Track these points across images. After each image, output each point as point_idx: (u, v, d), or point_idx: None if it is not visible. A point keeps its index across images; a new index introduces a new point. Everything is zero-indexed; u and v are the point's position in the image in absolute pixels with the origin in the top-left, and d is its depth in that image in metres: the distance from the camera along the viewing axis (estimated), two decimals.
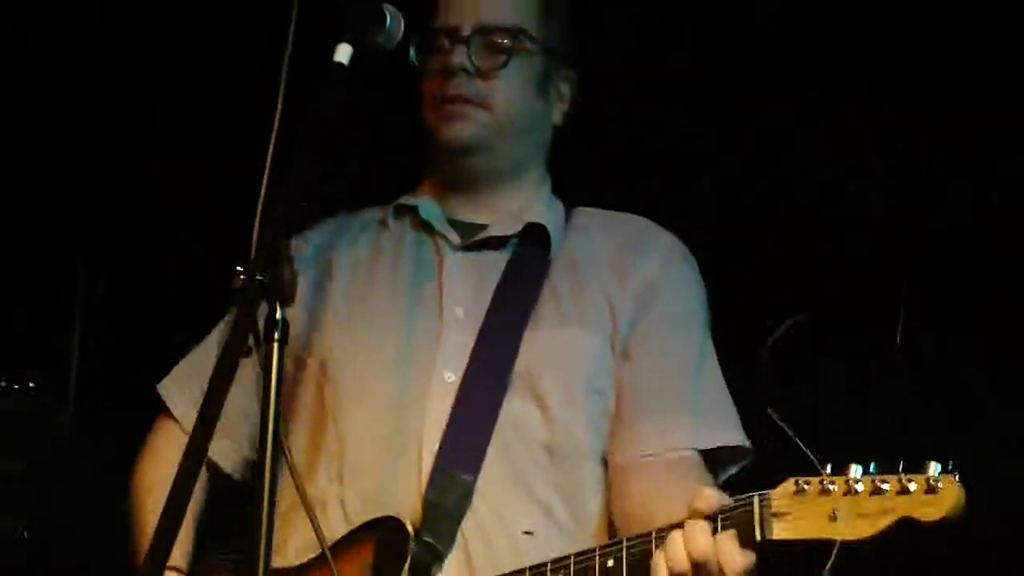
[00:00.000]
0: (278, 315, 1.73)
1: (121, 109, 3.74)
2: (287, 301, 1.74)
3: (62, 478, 2.41)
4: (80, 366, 3.30)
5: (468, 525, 2.16)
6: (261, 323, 1.75)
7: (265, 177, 1.90)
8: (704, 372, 2.30)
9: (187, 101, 3.64)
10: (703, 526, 1.85)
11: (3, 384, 3.79)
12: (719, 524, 1.86)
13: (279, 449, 1.73)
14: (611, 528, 2.23)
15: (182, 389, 2.45)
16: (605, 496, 2.26)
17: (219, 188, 2.56)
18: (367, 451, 2.19)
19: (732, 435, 2.24)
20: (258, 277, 1.72)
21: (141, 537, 2.32)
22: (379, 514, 2.11)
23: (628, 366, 2.27)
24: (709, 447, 2.22)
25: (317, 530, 1.89)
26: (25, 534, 3.68)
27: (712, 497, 1.87)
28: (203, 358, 2.46)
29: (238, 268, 1.75)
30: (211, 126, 3.55)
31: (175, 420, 2.45)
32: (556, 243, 2.36)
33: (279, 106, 1.91)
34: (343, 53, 1.94)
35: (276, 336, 1.73)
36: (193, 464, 1.72)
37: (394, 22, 2.06)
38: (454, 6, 2.37)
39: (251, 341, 1.72)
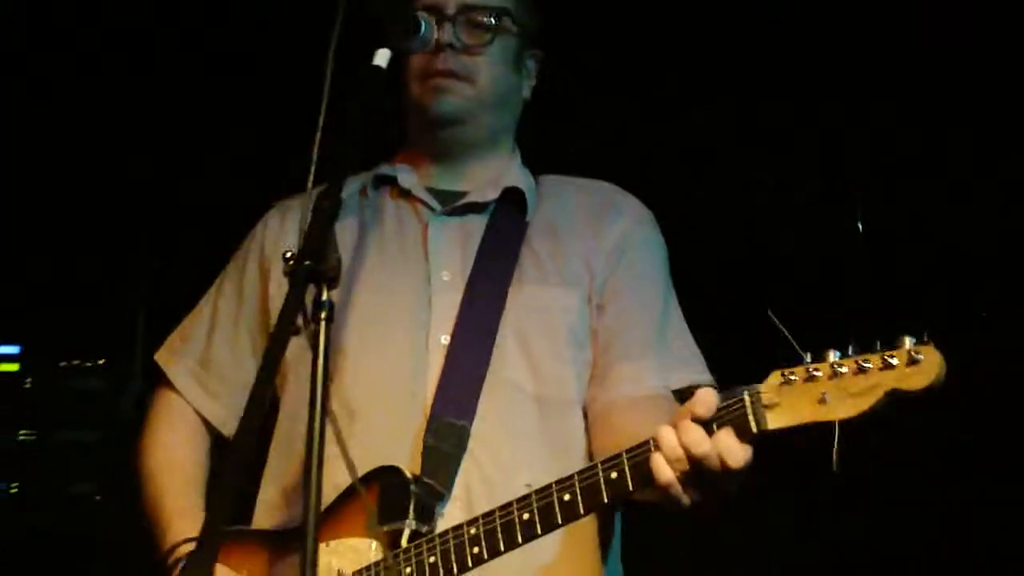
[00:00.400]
0: (324, 297, 1.80)
1: (175, 113, 3.88)
2: (333, 284, 1.82)
3: (130, 448, 2.56)
4: (145, 347, 3.41)
5: (467, 467, 2.20)
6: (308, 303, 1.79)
7: (311, 171, 1.99)
8: (670, 319, 2.39)
9: (236, 101, 3.80)
10: (697, 426, 1.87)
11: (79, 364, 3.99)
12: (715, 424, 1.88)
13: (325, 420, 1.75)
14: None
15: (179, 360, 2.50)
16: (586, 445, 2.32)
17: (267, 181, 2.69)
18: (369, 412, 2.21)
19: (699, 374, 2.33)
20: (307, 262, 1.79)
21: (161, 512, 2.36)
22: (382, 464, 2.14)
23: (602, 317, 2.35)
24: (680, 387, 2.29)
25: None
26: (98, 498, 3.94)
27: (710, 399, 1.88)
28: (196, 327, 2.52)
29: (288, 254, 1.83)
30: (256, 126, 3.71)
31: (174, 390, 2.50)
32: (532, 206, 2.43)
33: (323, 111, 1.97)
34: (382, 57, 2.04)
35: (323, 316, 1.79)
36: (248, 440, 1.77)
37: (428, 28, 2.21)
38: None
39: (299, 320, 1.76)
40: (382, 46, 2.05)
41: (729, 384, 2.06)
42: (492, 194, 2.42)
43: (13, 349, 4.04)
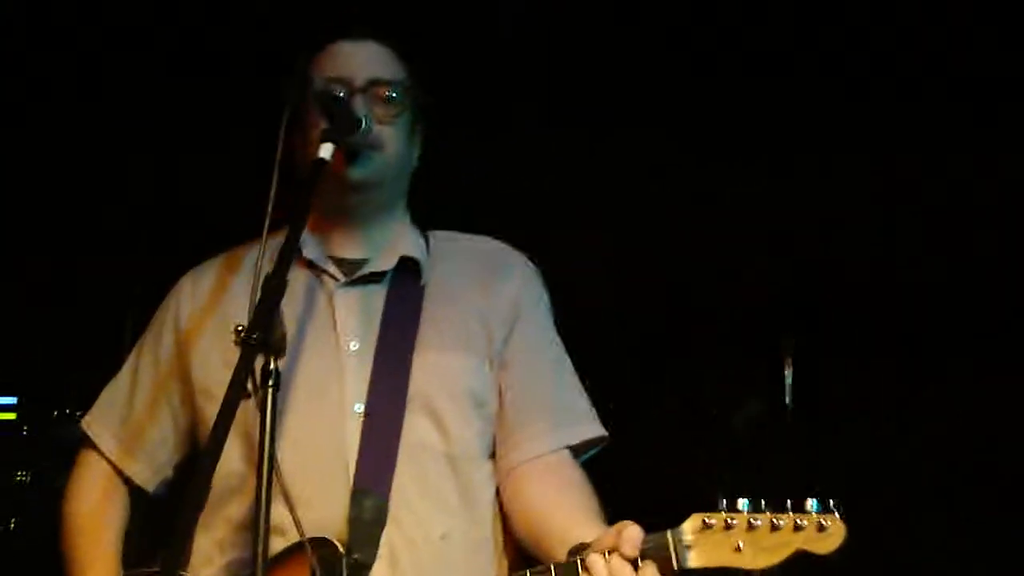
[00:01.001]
0: (272, 366, 1.98)
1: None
2: (280, 354, 1.99)
3: None
4: None
5: (389, 533, 2.26)
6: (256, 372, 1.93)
7: (261, 250, 2.09)
8: (564, 377, 2.50)
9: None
10: (626, 563, 1.99)
11: (69, 413, 4.19)
12: (640, 558, 2.01)
13: (273, 477, 1.92)
14: (504, 522, 2.39)
15: (104, 424, 2.56)
16: (493, 493, 2.42)
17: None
18: (299, 479, 2.20)
19: (593, 428, 2.46)
20: (255, 335, 1.94)
21: (76, 566, 2.44)
22: (313, 535, 2.15)
23: (505, 375, 2.44)
24: (576, 442, 2.42)
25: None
26: None
27: (635, 537, 2.01)
28: (117, 394, 2.57)
29: (239, 327, 1.97)
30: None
31: (98, 451, 2.55)
32: (426, 271, 2.48)
33: (271, 200, 2.11)
34: (327, 151, 2.22)
35: (271, 383, 1.98)
36: (194, 503, 1.97)
37: (368, 125, 2.34)
38: (344, 59, 2.45)
39: (249, 387, 1.94)
40: (327, 141, 2.22)
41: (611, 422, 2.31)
42: (390, 263, 2.46)
43: (10, 400, 4.28)
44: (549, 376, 2.48)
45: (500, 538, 2.41)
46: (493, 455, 2.45)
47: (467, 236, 2.62)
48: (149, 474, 2.53)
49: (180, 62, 3.99)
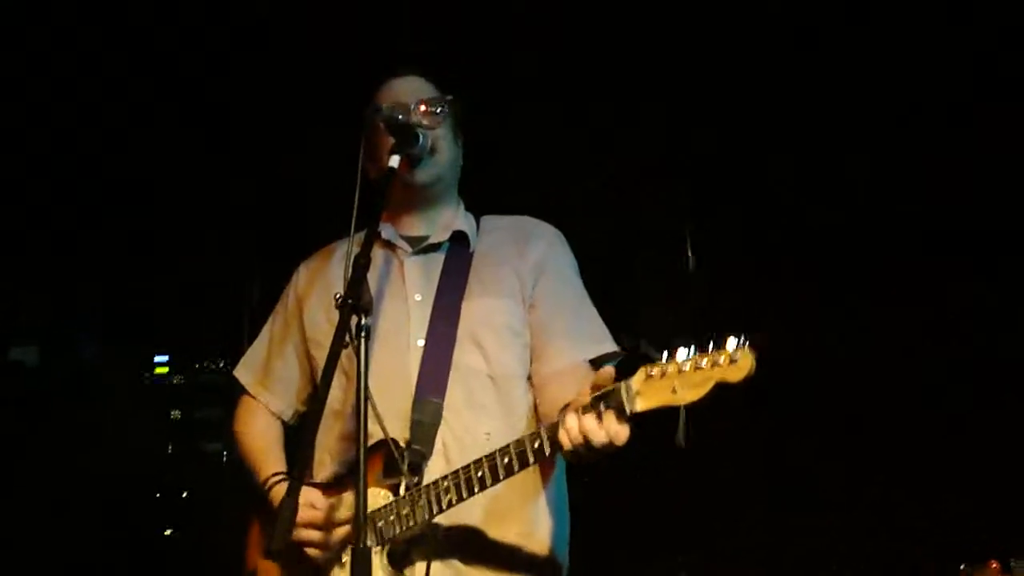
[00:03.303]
0: (363, 322, 2.27)
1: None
2: (368, 313, 2.27)
3: None
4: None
5: (443, 432, 2.56)
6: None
7: (351, 237, 2.42)
8: (583, 309, 2.77)
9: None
10: (592, 416, 2.22)
11: (207, 364, 4.88)
12: (602, 408, 2.21)
13: (368, 408, 2.21)
14: (537, 426, 2.59)
15: (249, 371, 2.93)
16: (529, 403, 2.68)
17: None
18: (377, 397, 2.40)
19: (607, 346, 2.71)
20: (350, 300, 2.24)
21: (254, 463, 2.79)
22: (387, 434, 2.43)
23: (535, 313, 2.73)
24: (595, 356, 2.67)
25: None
26: (225, 456, 4.81)
27: (609, 372, 2.23)
28: (258, 348, 2.94)
29: (337, 295, 2.27)
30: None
31: (248, 393, 2.91)
32: (474, 242, 2.79)
33: (356, 201, 2.47)
34: (395, 161, 2.55)
35: (363, 336, 2.26)
36: (313, 423, 2.31)
37: (424, 140, 2.67)
38: (399, 89, 2.78)
39: (347, 338, 2.24)
40: (394, 153, 2.55)
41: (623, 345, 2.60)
42: (445, 236, 2.79)
43: (165, 357, 4.96)
44: (570, 309, 2.75)
45: None
46: (530, 378, 2.72)
47: (508, 216, 2.92)
48: (284, 406, 2.90)
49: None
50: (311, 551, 2.59)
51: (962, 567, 3.42)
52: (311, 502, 2.58)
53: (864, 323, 4.23)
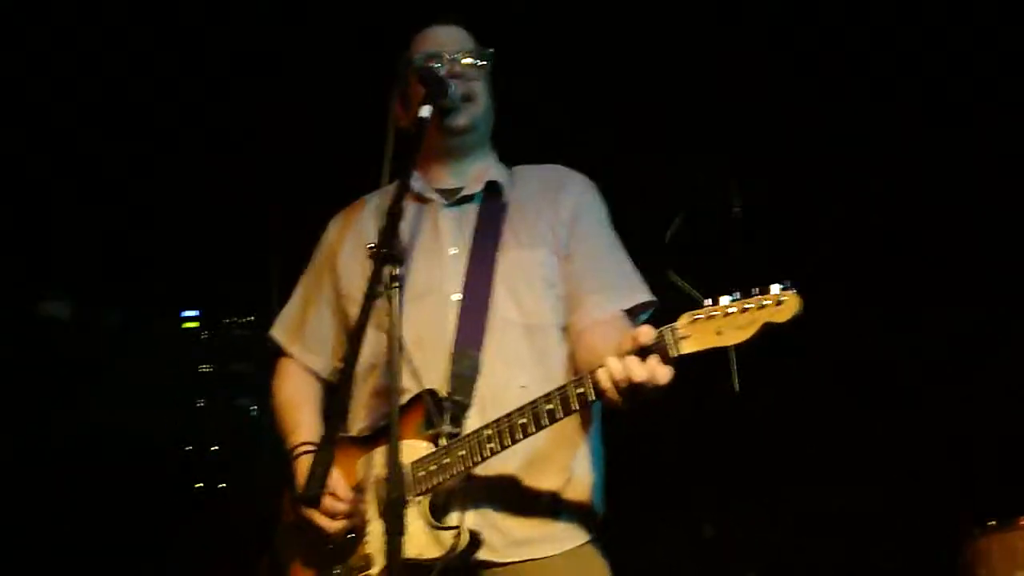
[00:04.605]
0: (396, 272, 2.29)
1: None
2: (400, 264, 2.30)
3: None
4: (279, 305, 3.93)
5: (480, 384, 2.55)
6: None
7: (383, 187, 2.57)
8: (618, 258, 2.75)
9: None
10: (635, 357, 2.21)
11: (236, 320, 4.93)
12: (646, 352, 2.20)
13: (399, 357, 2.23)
14: (572, 376, 2.51)
15: (285, 330, 2.91)
16: (564, 354, 2.66)
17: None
18: (416, 350, 2.56)
19: (643, 295, 2.69)
20: (383, 250, 2.26)
21: (286, 427, 2.78)
22: (425, 387, 2.51)
23: (570, 265, 2.70)
24: (631, 306, 2.66)
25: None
26: (253, 411, 4.89)
27: (648, 331, 2.24)
28: (292, 308, 2.92)
29: (370, 245, 2.30)
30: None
31: (286, 353, 2.89)
32: (507, 193, 2.77)
33: (388, 153, 2.60)
34: (426, 111, 2.57)
35: (395, 285, 2.28)
36: (347, 377, 2.36)
37: (455, 90, 2.68)
38: (437, 38, 2.80)
39: (381, 288, 2.25)
40: (425, 103, 2.56)
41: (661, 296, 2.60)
42: (479, 187, 2.77)
43: (195, 312, 5.04)
44: (605, 258, 2.73)
45: None
46: (565, 328, 2.70)
47: (540, 166, 2.89)
48: (321, 363, 2.87)
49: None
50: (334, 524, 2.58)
51: (990, 523, 3.36)
52: (334, 489, 2.57)
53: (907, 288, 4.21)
